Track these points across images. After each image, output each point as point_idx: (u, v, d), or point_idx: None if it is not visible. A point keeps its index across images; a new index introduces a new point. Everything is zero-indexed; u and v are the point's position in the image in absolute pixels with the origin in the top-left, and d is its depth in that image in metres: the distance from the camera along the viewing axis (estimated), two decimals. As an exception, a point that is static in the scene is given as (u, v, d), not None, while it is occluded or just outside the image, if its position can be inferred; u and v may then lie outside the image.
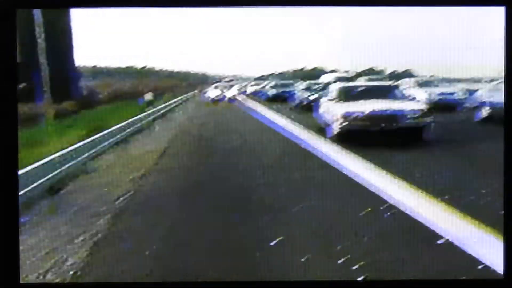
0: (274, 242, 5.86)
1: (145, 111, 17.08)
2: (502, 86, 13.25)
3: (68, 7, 4.50)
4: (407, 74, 19.01)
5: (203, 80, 24.74)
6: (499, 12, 4.90)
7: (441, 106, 14.89)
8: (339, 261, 5.32)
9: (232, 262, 5.44)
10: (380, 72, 20.70)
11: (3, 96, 4.87)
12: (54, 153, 9.36)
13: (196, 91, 24.86)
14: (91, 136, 11.45)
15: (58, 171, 9.13)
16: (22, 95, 5.37)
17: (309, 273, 5.17)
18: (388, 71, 20.81)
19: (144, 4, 5.36)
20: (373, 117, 11.53)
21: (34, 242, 6.30)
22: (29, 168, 8.06)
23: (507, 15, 4.75)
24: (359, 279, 5.00)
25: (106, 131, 12.32)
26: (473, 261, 5.22)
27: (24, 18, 16.88)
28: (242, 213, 6.99)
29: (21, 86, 5.30)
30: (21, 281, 4.97)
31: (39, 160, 8.61)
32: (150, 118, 16.74)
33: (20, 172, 5.82)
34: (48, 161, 8.88)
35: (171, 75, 23.95)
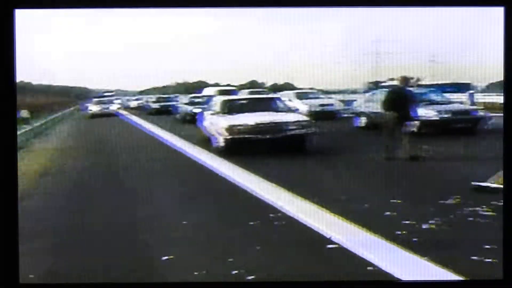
0: (165, 258, 5.75)
1: (20, 129, 16.15)
2: (375, 96, 13.97)
3: (68, 8, 4.58)
4: (287, 86, 19.43)
5: (84, 95, 23.93)
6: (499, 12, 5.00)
7: (322, 116, 15.45)
8: (234, 272, 5.31)
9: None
10: (261, 85, 21.02)
11: (2, 97, 4.93)
12: None
13: (76, 106, 23.98)
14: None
15: None
16: None
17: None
18: (269, 84, 21.17)
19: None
20: (257, 128, 11.71)
21: None
22: None
23: (506, 16, 4.89)
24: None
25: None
26: (363, 263, 5.39)
27: None
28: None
29: None
30: (20, 281, 4.97)
31: None
32: (25, 137, 15.87)
33: None
34: None
35: (49, 90, 22.96)
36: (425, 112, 12.96)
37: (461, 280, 5.00)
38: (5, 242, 4.92)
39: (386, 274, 5.15)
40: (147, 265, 5.62)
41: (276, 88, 19.71)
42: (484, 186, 7.92)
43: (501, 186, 7.65)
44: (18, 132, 15.29)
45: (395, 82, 11.81)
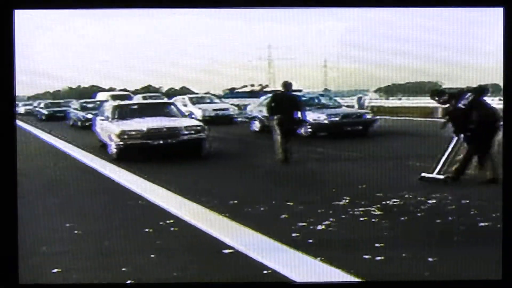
0: (55, 271, 5.49)
1: None
2: (266, 101, 14.08)
3: (66, 8, 4.86)
4: (184, 91, 19.23)
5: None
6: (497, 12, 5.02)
7: (218, 121, 15.44)
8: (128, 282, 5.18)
9: None
10: (158, 89, 20.67)
11: (1, 97, 5.04)
12: None
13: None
14: None
15: None
16: None
17: None
18: (165, 89, 20.86)
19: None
20: (150, 134, 11.48)
21: None
22: None
23: (506, 16, 4.95)
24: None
25: None
26: (260, 266, 5.39)
27: None
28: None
29: None
30: (20, 282, 5.04)
31: None
32: None
33: None
34: None
35: None
36: (317, 116, 13.25)
37: (459, 280, 5.04)
38: (4, 242, 5.01)
39: (283, 277, 5.15)
40: (35, 279, 5.32)
41: (173, 92, 19.45)
42: (428, 177, 8.65)
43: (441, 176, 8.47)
44: None
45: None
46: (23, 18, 5.21)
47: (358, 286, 5.08)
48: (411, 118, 15.72)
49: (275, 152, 10.86)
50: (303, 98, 14.08)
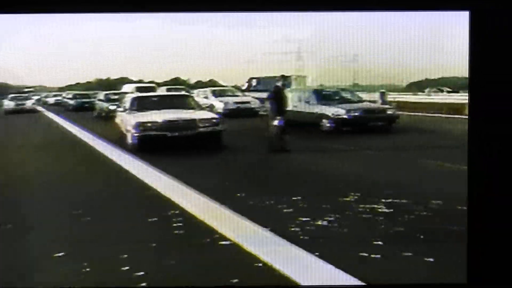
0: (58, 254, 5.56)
1: None
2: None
3: (62, 12, 5.09)
4: (212, 84, 19.29)
5: (1, 91, 23.01)
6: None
7: (239, 113, 15.45)
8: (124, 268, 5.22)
9: None
10: (184, 82, 20.79)
11: None
12: None
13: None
14: None
15: None
16: None
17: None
18: (193, 81, 20.96)
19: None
20: (165, 125, 11.56)
21: None
22: None
23: (471, 20, 4.94)
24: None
25: None
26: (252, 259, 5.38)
27: None
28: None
29: None
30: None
31: None
32: None
33: None
34: None
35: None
36: (335, 111, 13.12)
37: (424, 284, 4.96)
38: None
39: (275, 270, 5.11)
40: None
41: (201, 85, 19.55)
42: None
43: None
44: None
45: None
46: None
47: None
48: (439, 115, 15.45)
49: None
50: (323, 93, 14.01)
